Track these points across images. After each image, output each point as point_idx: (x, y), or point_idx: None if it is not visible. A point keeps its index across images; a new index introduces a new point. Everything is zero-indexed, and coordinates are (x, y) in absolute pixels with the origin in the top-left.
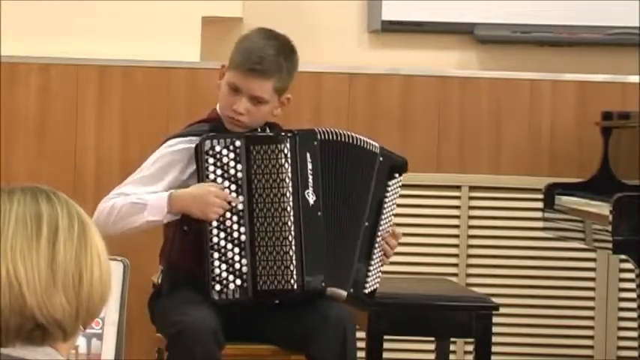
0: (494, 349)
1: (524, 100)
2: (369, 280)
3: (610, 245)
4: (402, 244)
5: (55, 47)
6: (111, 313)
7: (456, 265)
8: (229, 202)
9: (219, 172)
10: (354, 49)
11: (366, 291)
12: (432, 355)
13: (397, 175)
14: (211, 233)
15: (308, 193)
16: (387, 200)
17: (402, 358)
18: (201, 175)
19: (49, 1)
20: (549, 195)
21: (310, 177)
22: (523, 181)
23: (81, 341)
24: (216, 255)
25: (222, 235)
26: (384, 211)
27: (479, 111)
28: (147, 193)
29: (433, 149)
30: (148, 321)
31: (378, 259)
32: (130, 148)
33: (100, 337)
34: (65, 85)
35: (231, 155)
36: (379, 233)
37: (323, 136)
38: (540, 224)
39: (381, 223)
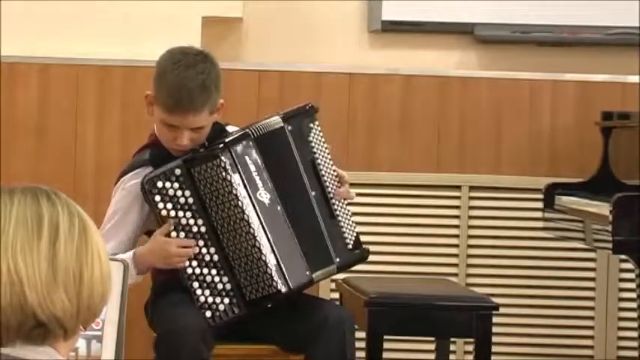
0: (494, 349)
1: (524, 100)
2: (345, 236)
3: (610, 245)
4: (402, 244)
5: (55, 47)
6: (111, 313)
7: (456, 265)
8: (190, 229)
9: (169, 205)
10: (354, 49)
11: (350, 246)
12: (432, 355)
13: (311, 124)
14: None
15: (260, 194)
16: (316, 156)
17: (402, 358)
18: (155, 213)
19: (49, 1)
20: (549, 195)
21: (257, 178)
22: (523, 181)
23: (81, 343)
24: (196, 284)
25: (194, 263)
26: (321, 167)
27: (479, 111)
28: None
29: (433, 149)
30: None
31: (343, 210)
32: (130, 148)
33: (99, 339)
34: (65, 85)
35: (176, 185)
36: (329, 190)
37: (255, 134)
38: (540, 224)
39: (325, 179)
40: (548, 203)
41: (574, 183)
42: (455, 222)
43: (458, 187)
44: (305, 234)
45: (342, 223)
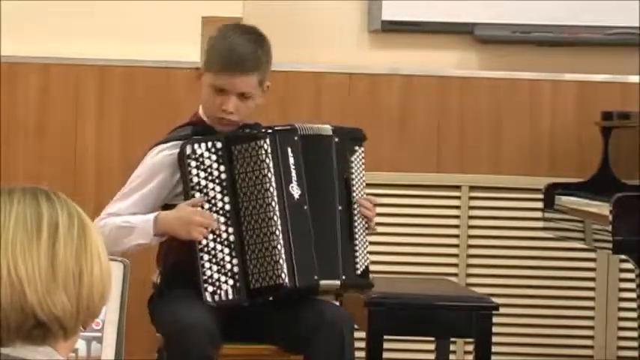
0: (494, 349)
1: (524, 100)
2: (357, 260)
3: (610, 245)
4: (402, 244)
5: (55, 47)
6: (111, 313)
7: (456, 265)
8: (214, 205)
9: (202, 174)
10: (354, 49)
11: (358, 272)
12: (432, 355)
13: (357, 147)
14: None
15: (292, 187)
16: (353, 177)
17: (402, 358)
18: (185, 180)
19: (49, 1)
20: (549, 195)
21: (293, 171)
22: (523, 181)
23: (80, 344)
24: (206, 257)
25: (210, 237)
26: (354, 188)
27: (479, 111)
28: (134, 210)
29: (433, 149)
30: (148, 321)
31: (362, 237)
32: (130, 148)
33: (99, 340)
34: (65, 85)
35: (214, 157)
36: (355, 212)
37: (303, 131)
38: (540, 224)
39: (354, 200)
40: (548, 203)
41: (574, 183)
42: (455, 222)
43: (458, 187)
44: (321, 241)
45: (357, 247)
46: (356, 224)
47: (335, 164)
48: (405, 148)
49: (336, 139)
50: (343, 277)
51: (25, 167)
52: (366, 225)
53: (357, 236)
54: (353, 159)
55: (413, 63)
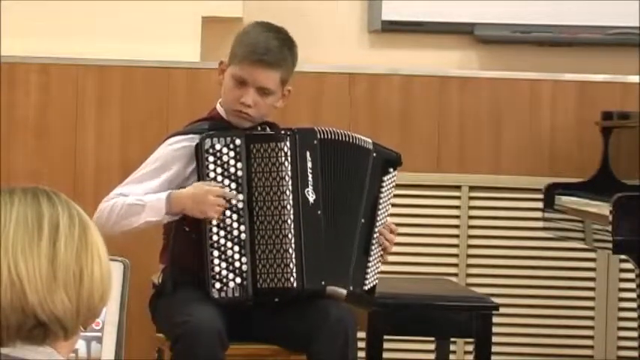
0: (494, 349)
1: (524, 100)
2: (368, 276)
3: (610, 245)
4: (402, 244)
5: (55, 47)
6: (111, 313)
7: (456, 265)
8: (229, 200)
9: (219, 170)
10: (354, 49)
11: (366, 287)
12: (432, 355)
13: (391, 169)
14: (211, 231)
15: (308, 191)
16: (382, 196)
17: (402, 358)
18: (201, 174)
19: (49, 1)
20: (549, 195)
21: (310, 175)
22: (523, 181)
23: (80, 344)
24: (216, 253)
25: (222, 233)
26: (380, 207)
27: (479, 111)
28: (145, 194)
29: (433, 149)
30: (148, 321)
31: (377, 255)
32: (130, 148)
33: (99, 340)
34: (65, 85)
35: (232, 154)
36: (376, 229)
37: (323, 135)
38: (540, 224)
39: (378, 219)
40: (548, 203)
41: (574, 183)
42: (455, 222)
43: (458, 187)
44: (334, 249)
45: (369, 264)
46: (374, 241)
47: (368, 177)
48: (405, 148)
49: (374, 154)
50: (351, 288)
51: (25, 167)
52: (382, 252)
53: (372, 252)
54: (385, 179)
55: (413, 63)
